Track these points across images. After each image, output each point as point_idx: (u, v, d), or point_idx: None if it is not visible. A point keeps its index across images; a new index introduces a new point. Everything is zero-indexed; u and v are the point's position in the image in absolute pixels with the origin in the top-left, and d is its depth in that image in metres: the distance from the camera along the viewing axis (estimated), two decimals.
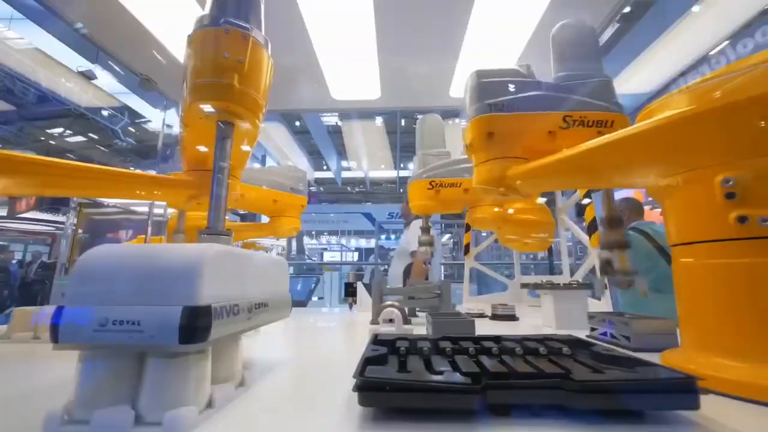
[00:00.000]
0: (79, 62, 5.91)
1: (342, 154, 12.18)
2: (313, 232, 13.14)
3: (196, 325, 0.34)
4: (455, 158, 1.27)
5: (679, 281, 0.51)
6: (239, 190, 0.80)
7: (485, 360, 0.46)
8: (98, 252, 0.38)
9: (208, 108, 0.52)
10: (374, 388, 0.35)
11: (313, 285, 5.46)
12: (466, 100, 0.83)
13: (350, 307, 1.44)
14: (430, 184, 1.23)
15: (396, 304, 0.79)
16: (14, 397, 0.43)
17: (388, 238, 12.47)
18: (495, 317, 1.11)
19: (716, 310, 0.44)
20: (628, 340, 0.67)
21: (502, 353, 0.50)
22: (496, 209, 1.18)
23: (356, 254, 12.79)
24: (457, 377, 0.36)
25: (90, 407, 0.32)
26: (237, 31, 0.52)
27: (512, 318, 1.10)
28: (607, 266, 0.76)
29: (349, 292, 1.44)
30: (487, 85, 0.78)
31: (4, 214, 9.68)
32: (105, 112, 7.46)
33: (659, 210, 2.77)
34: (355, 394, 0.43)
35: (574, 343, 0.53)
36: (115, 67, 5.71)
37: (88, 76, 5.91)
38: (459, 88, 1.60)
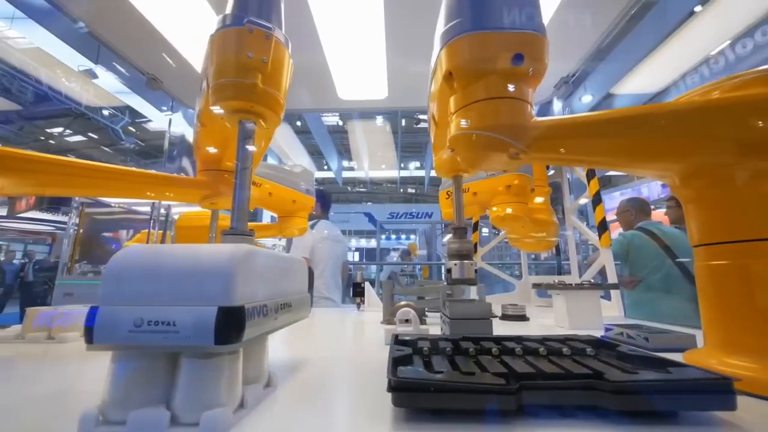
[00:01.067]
0: (80, 61, 5.90)
1: (343, 153, 12.19)
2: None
3: (231, 325, 0.34)
4: None
5: (703, 281, 0.51)
6: (269, 187, 0.80)
7: (510, 360, 0.46)
8: (131, 252, 0.38)
9: (230, 108, 0.52)
10: (409, 388, 0.35)
11: None
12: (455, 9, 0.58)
13: (358, 306, 1.44)
14: (447, 193, 1.29)
15: (411, 304, 0.79)
16: (42, 397, 0.43)
17: (388, 239, 12.48)
18: (505, 317, 1.11)
19: (745, 311, 0.44)
20: (646, 341, 0.67)
21: (526, 353, 0.50)
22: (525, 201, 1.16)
23: (356, 254, 12.79)
24: (491, 378, 0.36)
25: (124, 407, 0.32)
26: (260, 31, 0.52)
27: (523, 318, 1.10)
28: (448, 275, 0.76)
29: (357, 291, 1.44)
30: None
31: (4, 213, 9.67)
32: (106, 112, 7.45)
33: (663, 210, 2.77)
34: (384, 394, 0.43)
35: (597, 343, 0.53)
36: (118, 67, 5.70)
37: (89, 76, 5.89)
38: None
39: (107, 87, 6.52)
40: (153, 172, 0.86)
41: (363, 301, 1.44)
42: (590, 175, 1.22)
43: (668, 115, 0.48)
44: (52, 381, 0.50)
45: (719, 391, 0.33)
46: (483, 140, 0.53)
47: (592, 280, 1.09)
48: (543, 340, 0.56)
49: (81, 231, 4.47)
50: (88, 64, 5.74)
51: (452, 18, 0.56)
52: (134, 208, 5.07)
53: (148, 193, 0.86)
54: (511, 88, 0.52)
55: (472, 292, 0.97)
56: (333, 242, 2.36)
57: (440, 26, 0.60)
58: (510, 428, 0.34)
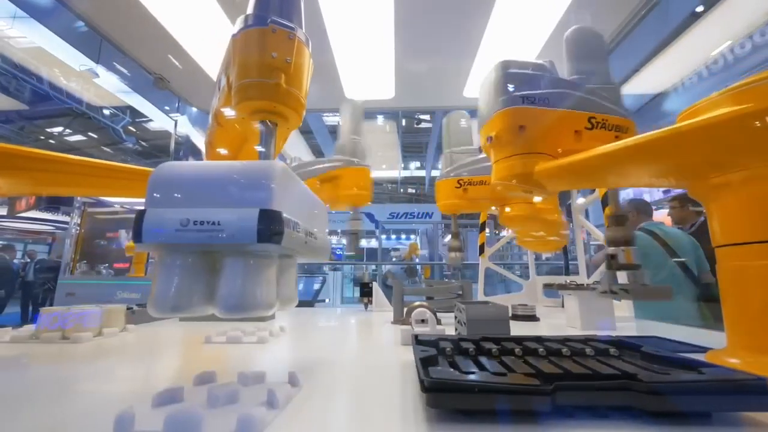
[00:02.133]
0: (81, 61, 5.89)
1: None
2: None
3: (271, 226, 0.36)
4: (484, 156, 1.23)
5: (727, 282, 0.51)
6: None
7: (534, 361, 0.45)
8: (175, 164, 0.40)
9: (253, 108, 0.52)
10: (444, 389, 0.34)
11: (319, 285, 5.45)
12: (488, 92, 0.80)
13: (366, 307, 1.44)
14: (458, 182, 1.21)
15: (425, 304, 0.79)
16: (67, 397, 0.42)
17: (388, 239, 12.46)
18: (515, 317, 1.11)
19: None
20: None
21: (549, 354, 0.50)
22: (535, 199, 1.17)
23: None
24: (525, 379, 0.36)
25: (170, 305, 0.35)
26: (283, 31, 0.52)
27: (533, 318, 1.10)
28: (612, 261, 0.77)
29: (365, 292, 1.44)
30: (516, 76, 0.76)
31: (4, 213, 9.64)
32: (106, 111, 7.44)
33: (666, 211, 2.77)
34: (413, 394, 0.43)
35: (619, 344, 0.53)
36: (119, 66, 5.69)
37: (91, 75, 5.88)
38: (473, 88, 1.60)
39: (108, 86, 6.51)
40: (102, 162, 0.82)
41: (370, 302, 1.44)
42: None
43: (675, 140, 0.48)
44: (78, 381, 0.50)
45: (754, 391, 0.33)
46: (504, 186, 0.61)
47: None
48: (564, 340, 0.56)
49: (82, 231, 4.46)
50: (90, 64, 5.73)
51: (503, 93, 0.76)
52: (136, 208, 5.06)
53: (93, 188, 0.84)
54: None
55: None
56: None
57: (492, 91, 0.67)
58: (545, 429, 0.33)
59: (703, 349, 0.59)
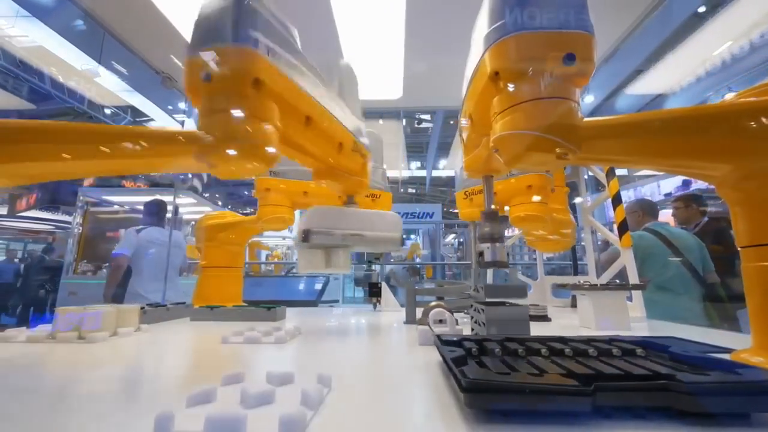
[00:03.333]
0: (82, 60, 5.88)
1: None
2: None
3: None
4: None
5: (752, 282, 0.51)
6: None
7: (562, 361, 0.45)
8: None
9: None
10: (484, 389, 0.34)
11: (320, 285, 5.43)
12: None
13: (374, 307, 1.44)
14: (464, 193, 1.33)
15: (442, 304, 0.79)
16: (98, 398, 0.42)
17: None
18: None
19: None
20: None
21: (576, 355, 0.50)
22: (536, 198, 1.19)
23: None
24: (562, 379, 0.36)
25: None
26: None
27: (545, 318, 1.10)
28: (480, 258, 0.76)
29: (373, 292, 1.44)
30: None
31: (4, 212, 9.62)
32: (108, 111, 7.42)
33: (670, 211, 2.77)
34: (445, 394, 0.43)
35: (644, 344, 0.53)
36: (120, 66, 5.68)
37: (91, 74, 5.88)
38: None
39: (110, 85, 6.50)
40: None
41: (379, 302, 1.43)
42: (610, 175, 1.22)
43: (723, 116, 0.48)
44: (104, 381, 0.50)
45: None
46: (530, 140, 0.53)
47: (618, 281, 1.09)
48: (588, 340, 0.55)
49: (84, 231, 4.46)
50: (92, 63, 5.72)
51: (498, 18, 0.56)
52: (138, 207, 5.05)
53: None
54: (560, 88, 0.52)
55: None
56: (160, 247, 2.73)
57: (483, 26, 0.60)
58: (584, 429, 0.33)
59: (726, 350, 0.59)
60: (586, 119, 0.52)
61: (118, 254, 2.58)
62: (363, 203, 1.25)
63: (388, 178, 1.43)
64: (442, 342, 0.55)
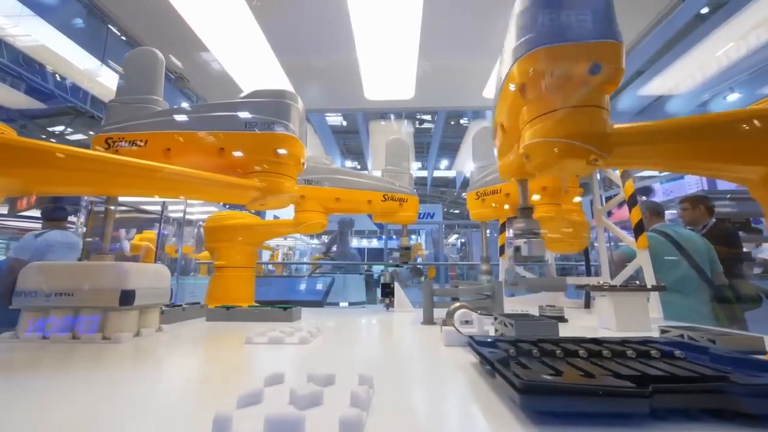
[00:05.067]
0: (84, 59, 5.87)
1: (345, 154, 12.16)
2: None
3: None
4: (489, 166, 1.36)
5: None
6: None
7: (602, 363, 0.45)
8: None
9: None
10: (540, 391, 0.34)
11: (322, 285, 5.42)
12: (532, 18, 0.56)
13: (387, 307, 1.43)
14: (476, 194, 1.36)
15: (467, 305, 0.79)
16: (147, 398, 0.42)
17: (390, 239, 12.44)
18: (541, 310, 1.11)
19: None
20: (712, 343, 0.66)
21: (614, 356, 0.50)
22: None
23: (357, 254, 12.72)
24: (616, 381, 0.36)
25: None
26: None
27: (561, 320, 1.10)
28: (516, 253, 0.76)
29: (386, 292, 1.43)
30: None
31: (5, 212, 9.58)
32: None
33: (675, 211, 2.76)
34: (491, 396, 0.42)
35: (681, 345, 0.53)
36: (114, 69, 5.66)
37: (94, 74, 5.86)
38: (492, 88, 1.60)
39: (112, 84, 6.48)
40: (199, 172, 0.85)
41: (392, 302, 1.43)
42: (625, 176, 1.22)
43: (758, 118, 0.47)
44: (145, 382, 0.49)
45: None
46: (560, 147, 0.53)
47: (638, 282, 1.09)
48: (623, 342, 0.55)
49: (89, 231, 4.44)
50: (94, 62, 5.71)
51: (525, 32, 0.56)
52: (142, 207, 5.04)
53: (195, 194, 0.86)
54: (588, 96, 0.52)
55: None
56: (66, 250, 2.79)
57: (511, 40, 0.60)
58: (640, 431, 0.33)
59: (760, 351, 0.59)
60: (613, 125, 0.53)
61: (11, 259, 2.74)
62: (390, 207, 1.30)
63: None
64: (478, 343, 0.55)
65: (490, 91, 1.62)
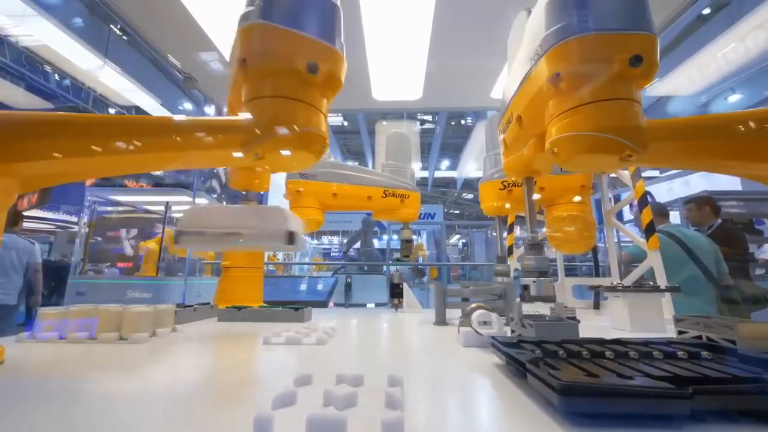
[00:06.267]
0: (87, 58, 5.87)
1: (345, 154, 12.17)
2: (314, 233, 13.09)
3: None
4: None
5: None
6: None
7: (630, 364, 0.45)
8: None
9: None
10: (582, 392, 0.34)
11: (322, 286, 5.41)
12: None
13: (396, 308, 1.43)
14: (502, 184, 1.23)
15: (484, 305, 0.79)
16: (182, 398, 0.42)
17: (391, 239, 12.41)
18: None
19: None
20: (732, 344, 0.66)
21: (642, 357, 0.50)
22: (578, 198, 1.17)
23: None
24: (655, 382, 0.35)
25: None
26: None
27: (573, 320, 1.09)
28: (524, 292, 0.76)
29: (395, 293, 1.43)
30: None
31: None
32: (112, 110, 7.41)
33: (677, 212, 2.76)
34: (522, 397, 0.42)
35: (705, 346, 0.53)
36: (124, 64, 5.67)
37: (96, 74, 5.87)
38: (501, 89, 1.59)
39: (114, 84, 6.49)
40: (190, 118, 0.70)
41: (401, 303, 1.43)
42: (636, 176, 1.22)
43: None
44: (173, 382, 0.49)
45: None
46: (591, 142, 0.52)
47: (652, 283, 1.08)
48: (647, 343, 0.55)
49: (91, 231, 4.44)
50: (96, 61, 5.72)
51: (558, 20, 0.56)
52: (145, 207, 5.04)
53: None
54: (624, 89, 0.52)
55: None
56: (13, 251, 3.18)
57: (540, 28, 0.60)
58: None
59: None
60: (648, 120, 0.52)
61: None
62: (391, 204, 1.26)
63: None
64: (504, 344, 0.54)
65: (498, 92, 1.62)
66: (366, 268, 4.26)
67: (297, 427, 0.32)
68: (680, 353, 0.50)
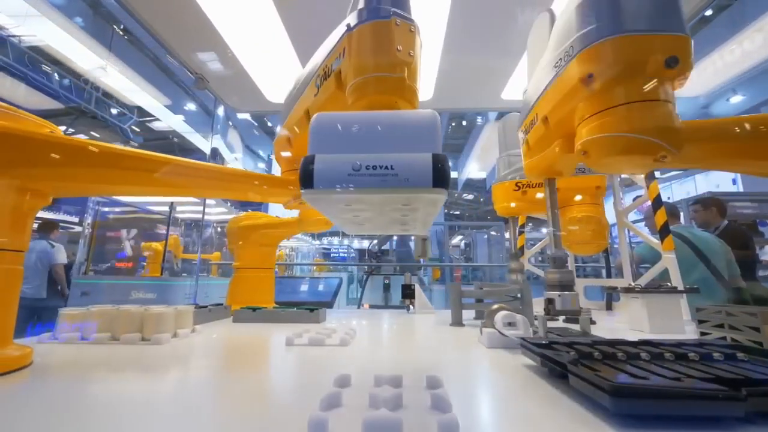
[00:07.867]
0: (89, 58, 5.87)
1: None
2: (314, 233, 13.09)
3: (443, 170, 0.36)
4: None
5: None
6: None
7: (668, 365, 0.45)
8: (334, 113, 0.41)
9: (376, 103, 0.51)
10: (635, 394, 0.34)
11: (336, 287, 5.41)
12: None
13: (408, 309, 1.43)
14: (516, 185, 1.23)
15: (506, 306, 0.78)
16: (227, 400, 0.41)
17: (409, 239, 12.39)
18: (570, 320, 1.10)
19: None
20: (760, 345, 0.66)
21: (678, 358, 0.49)
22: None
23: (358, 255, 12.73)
24: (711, 385, 0.35)
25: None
26: (405, 23, 0.51)
27: (590, 321, 1.09)
28: (549, 306, 0.74)
29: (407, 293, 1.43)
30: None
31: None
32: (114, 110, 7.40)
33: (681, 213, 2.75)
34: (563, 399, 0.42)
35: (742, 348, 0.53)
36: (127, 64, 5.67)
37: (99, 73, 5.87)
38: (511, 90, 1.60)
39: (115, 84, 6.49)
40: (238, 169, 0.85)
41: (413, 304, 1.42)
42: (649, 177, 1.22)
43: None
44: (213, 384, 0.49)
45: None
46: (625, 143, 0.52)
47: (669, 284, 1.08)
48: (678, 344, 0.55)
49: (95, 231, 4.43)
50: (98, 61, 5.71)
51: (591, 21, 0.55)
52: (148, 208, 5.03)
53: (231, 192, 0.85)
54: (659, 90, 0.51)
55: None
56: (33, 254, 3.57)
57: (570, 29, 0.59)
58: None
59: None
60: (683, 121, 0.52)
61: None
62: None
63: None
64: (538, 345, 0.54)
65: (509, 93, 1.62)
66: (397, 268, 4.20)
67: (352, 429, 0.31)
68: (716, 355, 0.49)
